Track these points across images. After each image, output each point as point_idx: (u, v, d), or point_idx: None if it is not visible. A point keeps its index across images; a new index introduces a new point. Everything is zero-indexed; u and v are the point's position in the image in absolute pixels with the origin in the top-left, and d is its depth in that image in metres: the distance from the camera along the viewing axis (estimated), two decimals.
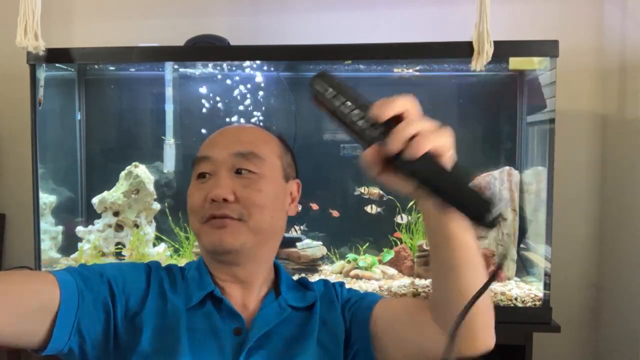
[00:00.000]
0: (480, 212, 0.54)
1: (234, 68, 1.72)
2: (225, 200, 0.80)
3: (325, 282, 0.94)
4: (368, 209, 1.68)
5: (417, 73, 1.73)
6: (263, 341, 0.81)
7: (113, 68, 1.77)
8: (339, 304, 0.90)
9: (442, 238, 0.68)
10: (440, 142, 0.57)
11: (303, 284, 0.93)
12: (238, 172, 0.83)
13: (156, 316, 0.81)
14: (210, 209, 0.81)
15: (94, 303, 0.77)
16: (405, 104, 0.58)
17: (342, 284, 0.94)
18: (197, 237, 0.86)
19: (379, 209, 1.68)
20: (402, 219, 1.67)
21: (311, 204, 1.71)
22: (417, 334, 0.79)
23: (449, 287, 0.71)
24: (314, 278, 1.60)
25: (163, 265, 0.91)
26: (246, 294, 0.86)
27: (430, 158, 0.55)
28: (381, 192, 1.69)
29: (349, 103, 0.59)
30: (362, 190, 1.70)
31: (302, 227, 1.70)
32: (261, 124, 0.93)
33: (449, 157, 0.58)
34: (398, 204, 1.67)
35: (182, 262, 1.40)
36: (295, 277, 0.96)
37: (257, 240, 0.83)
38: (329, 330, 0.86)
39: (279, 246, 0.91)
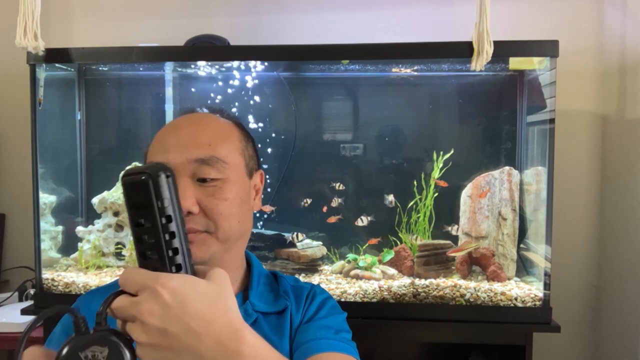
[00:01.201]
0: None
1: (234, 68, 1.72)
2: (189, 212, 0.75)
3: (297, 295, 0.88)
4: (359, 222, 1.68)
5: (418, 73, 1.73)
6: None
7: (113, 68, 1.77)
8: (299, 319, 0.86)
9: None
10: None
11: (280, 284, 0.89)
12: (200, 180, 0.78)
13: None
14: None
15: None
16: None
17: (314, 296, 0.89)
18: None
19: (369, 218, 1.68)
20: (362, 221, 1.67)
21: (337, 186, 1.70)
22: None
23: None
24: (314, 278, 1.61)
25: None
26: None
27: None
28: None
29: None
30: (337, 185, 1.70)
31: (303, 235, 1.69)
32: (223, 110, 0.87)
33: None
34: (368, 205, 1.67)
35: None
36: (295, 277, 0.94)
37: (226, 248, 0.80)
38: (294, 339, 0.83)
39: (247, 241, 0.87)
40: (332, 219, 1.68)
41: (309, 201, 1.68)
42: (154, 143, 0.83)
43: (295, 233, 1.65)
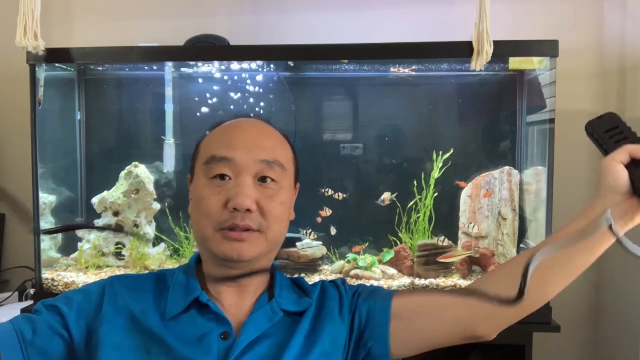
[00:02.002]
0: None
1: (234, 68, 1.72)
2: (248, 210, 0.78)
3: (323, 287, 0.91)
4: (332, 231, 1.68)
5: (418, 73, 1.73)
6: (252, 346, 0.79)
7: (113, 68, 1.77)
8: (346, 301, 0.88)
9: (598, 253, 0.82)
10: None
11: (300, 286, 0.91)
12: (262, 179, 0.81)
13: (119, 333, 0.78)
14: (231, 219, 0.78)
15: (43, 340, 0.77)
16: None
17: (344, 281, 0.93)
18: (203, 240, 0.82)
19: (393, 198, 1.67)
20: (334, 230, 1.68)
21: (322, 212, 1.70)
22: (444, 324, 0.86)
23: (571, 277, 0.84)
24: (314, 278, 1.61)
25: (156, 270, 0.90)
26: (241, 298, 0.84)
27: None
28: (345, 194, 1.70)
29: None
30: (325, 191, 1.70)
31: (315, 236, 1.69)
32: (269, 120, 0.90)
33: None
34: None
35: (182, 263, 1.40)
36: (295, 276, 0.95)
37: (269, 250, 0.83)
38: (312, 335, 0.84)
39: None
40: (323, 213, 1.68)
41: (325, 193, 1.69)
42: (213, 139, 0.85)
43: (309, 229, 1.67)
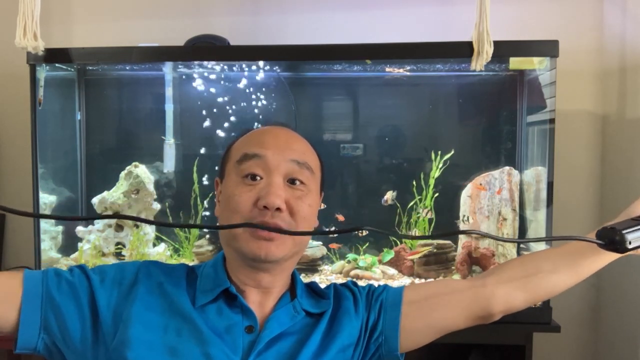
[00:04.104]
0: None
1: (234, 68, 1.72)
2: (277, 209, 0.79)
3: (335, 289, 0.94)
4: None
5: (418, 73, 1.73)
6: (274, 342, 0.81)
7: (113, 68, 1.77)
8: (360, 300, 0.91)
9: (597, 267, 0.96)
10: None
11: (314, 290, 0.93)
12: (291, 181, 0.83)
13: (151, 311, 0.79)
14: (260, 216, 0.79)
15: (65, 299, 0.78)
16: None
17: (355, 282, 0.96)
18: (232, 238, 0.82)
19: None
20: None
21: (338, 216, 1.71)
22: (461, 306, 0.91)
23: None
24: (314, 278, 1.61)
25: (167, 263, 0.90)
26: (264, 298, 0.86)
27: None
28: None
29: None
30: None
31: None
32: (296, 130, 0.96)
33: None
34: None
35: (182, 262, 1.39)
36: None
37: (295, 252, 0.84)
38: (328, 334, 0.86)
39: None
40: (340, 217, 1.70)
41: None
42: (245, 140, 0.87)
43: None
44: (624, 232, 0.73)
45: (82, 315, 0.78)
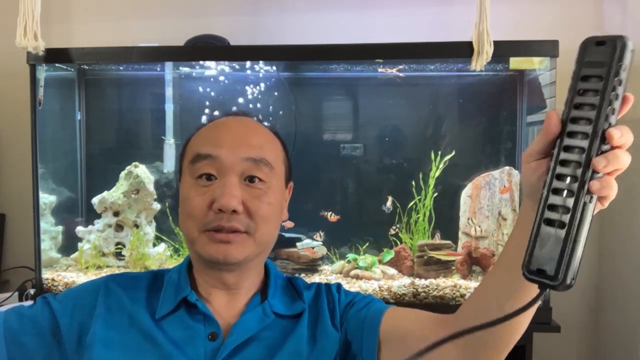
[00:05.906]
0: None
1: (235, 68, 1.72)
2: (234, 211, 0.75)
3: (317, 290, 0.88)
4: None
5: (418, 73, 1.73)
6: (241, 348, 0.77)
7: (112, 68, 1.77)
8: (337, 310, 0.85)
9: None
10: (614, 189, 0.57)
11: (295, 287, 0.89)
12: (249, 179, 0.78)
13: (112, 330, 0.78)
14: (216, 220, 0.75)
15: (29, 336, 0.78)
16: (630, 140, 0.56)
17: (339, 287, 0.89)
18: (190, 242, 0.80)
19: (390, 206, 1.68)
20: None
21: (328, 215, 1.70)
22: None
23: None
24: (314, 278, 1.61)
25: (154, 269, 0.89)
26: (232, 299, 0.82)
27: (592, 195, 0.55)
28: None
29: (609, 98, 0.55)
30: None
31: (321, 234, 1.70)
32: (259, 117, 0.86)
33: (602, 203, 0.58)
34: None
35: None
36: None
37: (258, 252, 0.80)
38: (315, 343, 0.81)
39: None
40: (332, 219, 1.69)
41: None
42: (199, 137, 0.82)
43: (320, 232, 1.68)
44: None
45: (47, 347, 0.78)
